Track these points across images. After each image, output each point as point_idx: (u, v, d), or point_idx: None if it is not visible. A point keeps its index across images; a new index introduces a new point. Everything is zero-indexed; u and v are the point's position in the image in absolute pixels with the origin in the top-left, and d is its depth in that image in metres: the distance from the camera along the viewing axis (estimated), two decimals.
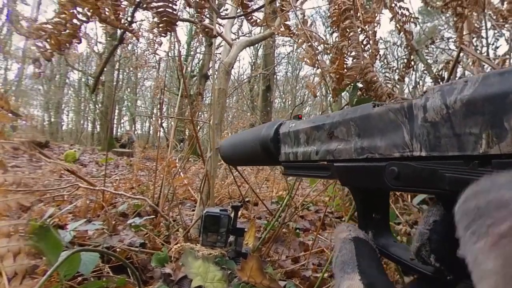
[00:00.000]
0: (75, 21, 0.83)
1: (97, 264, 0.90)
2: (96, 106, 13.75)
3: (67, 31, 0.87)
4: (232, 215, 0.86)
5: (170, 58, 2.63)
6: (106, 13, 0.77)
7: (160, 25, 0.70)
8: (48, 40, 0.85)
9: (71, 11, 0.77)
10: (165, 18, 0.68)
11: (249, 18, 0.77)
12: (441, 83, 1.05)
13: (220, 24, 1.55)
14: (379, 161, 0.27)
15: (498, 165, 0.18)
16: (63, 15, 0.81)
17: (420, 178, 0.23)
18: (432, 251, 0.24)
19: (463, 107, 0.19)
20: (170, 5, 0.68)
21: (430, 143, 0.22)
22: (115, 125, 13.95)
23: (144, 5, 0.75)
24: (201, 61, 9.49)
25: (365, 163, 0.28)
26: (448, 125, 0.20)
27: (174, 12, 0.68)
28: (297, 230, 1.64)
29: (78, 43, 0.89)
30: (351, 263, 0.26)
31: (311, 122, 0.36)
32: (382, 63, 1.11)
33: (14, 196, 0.64)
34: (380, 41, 0.88)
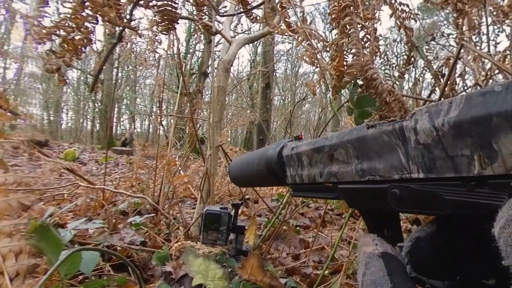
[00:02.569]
0: (87, 24, 0.82)
1: (98, 262, 0.91)
2: (96, 104, 13.73)
3: (81, 35, 0.86)
4: (233, 213, 0.86)
5: (169, 56, 2.62)
6: (109, 12, 0.76)
7: (161, 24, 0.69)
8: (65, 45, 0.84)
9: (83, 14, 0.76)
10: (166, 17, 0.67)
11: (249, 14, 0.76)
12: (441, 79, 1.05)
13: (219, 22, 1.55)
14: (381, 183, 0.26)
15: (493, 185, 0.18)
16: (76, 20, 0.80)
17: (421, 201, 0.23)
18: (409, 262, 0.26)
19: (451, 129, 0.19)
20: (171, 3, 0.67)
21: (426, 165, 0.22)
22: (114, 124, 13.94)
23: (144, 4, 0.74)
24: (200, 58, 9.46)
25: (367, 185, 0.28)
26: (440, 147, 0.20)
27: (175, 10, 0.68)
28: (297, 228, 1.64)
29: (90, 45, 0.89)
30: (384, 284, 0.24)
31: (311, 145, 0.36)
32: (382, 59, 1.11)
33: (15, 196, 0.64)
34: (380, 37, 0.88)
